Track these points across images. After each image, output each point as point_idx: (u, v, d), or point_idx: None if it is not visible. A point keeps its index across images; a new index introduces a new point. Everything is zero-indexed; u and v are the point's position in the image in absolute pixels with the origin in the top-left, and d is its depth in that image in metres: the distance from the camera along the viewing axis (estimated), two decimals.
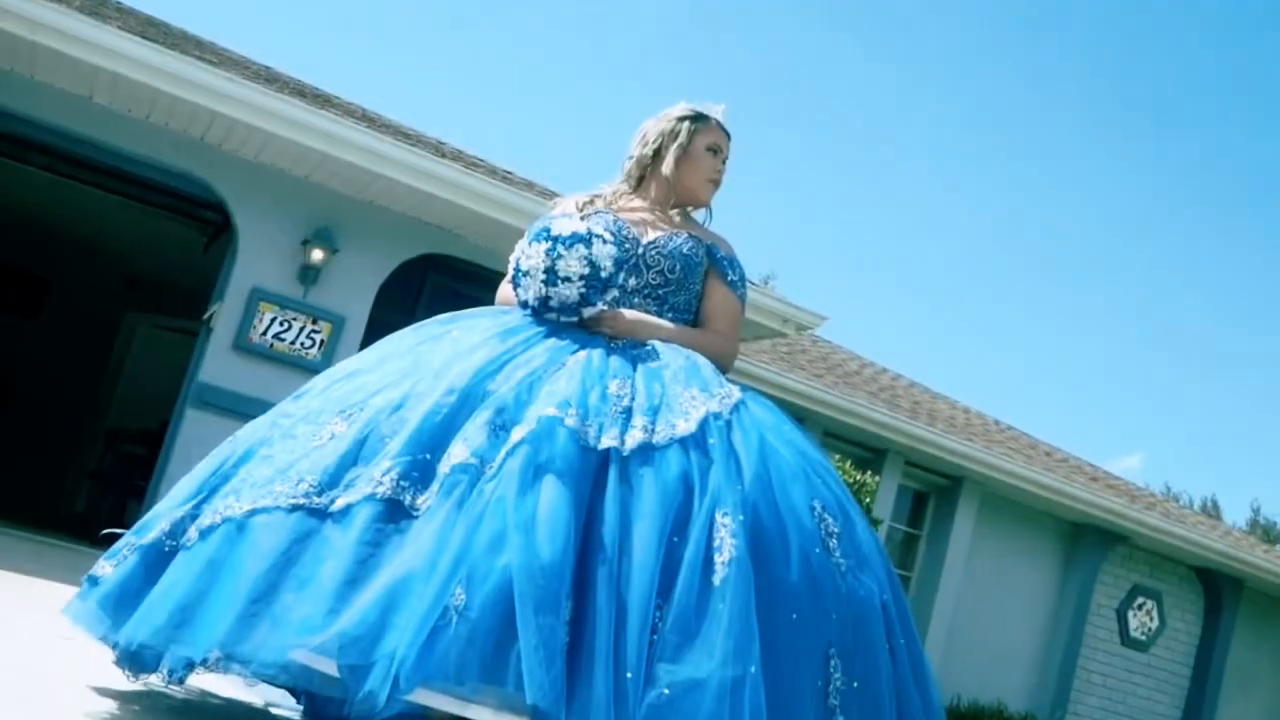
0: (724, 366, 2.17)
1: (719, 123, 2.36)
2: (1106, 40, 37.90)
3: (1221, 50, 37.03)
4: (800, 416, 7.94)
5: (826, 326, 7.50)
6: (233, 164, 6.23)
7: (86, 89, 5.82)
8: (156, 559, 1.85)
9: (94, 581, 1.92)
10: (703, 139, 2.32)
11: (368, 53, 38.10)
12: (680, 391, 1.92)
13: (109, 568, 1.91)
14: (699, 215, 2.41)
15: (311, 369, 6.09)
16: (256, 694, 2.20)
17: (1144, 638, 10.29)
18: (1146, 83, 38.64)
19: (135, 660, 1.84)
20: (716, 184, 2.35)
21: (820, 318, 7.19)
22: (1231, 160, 38.11)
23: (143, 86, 5.59)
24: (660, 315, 2.20)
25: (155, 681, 1.97)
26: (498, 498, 1.68)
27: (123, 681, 1.97)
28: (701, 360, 2.06)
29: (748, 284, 2.40)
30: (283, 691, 2.15)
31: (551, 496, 1.69)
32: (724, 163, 2.36)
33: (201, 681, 2.15)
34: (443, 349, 2.00)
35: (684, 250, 2.24)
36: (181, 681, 2.00)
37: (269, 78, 6.68)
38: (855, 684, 1.74)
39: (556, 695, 1.53)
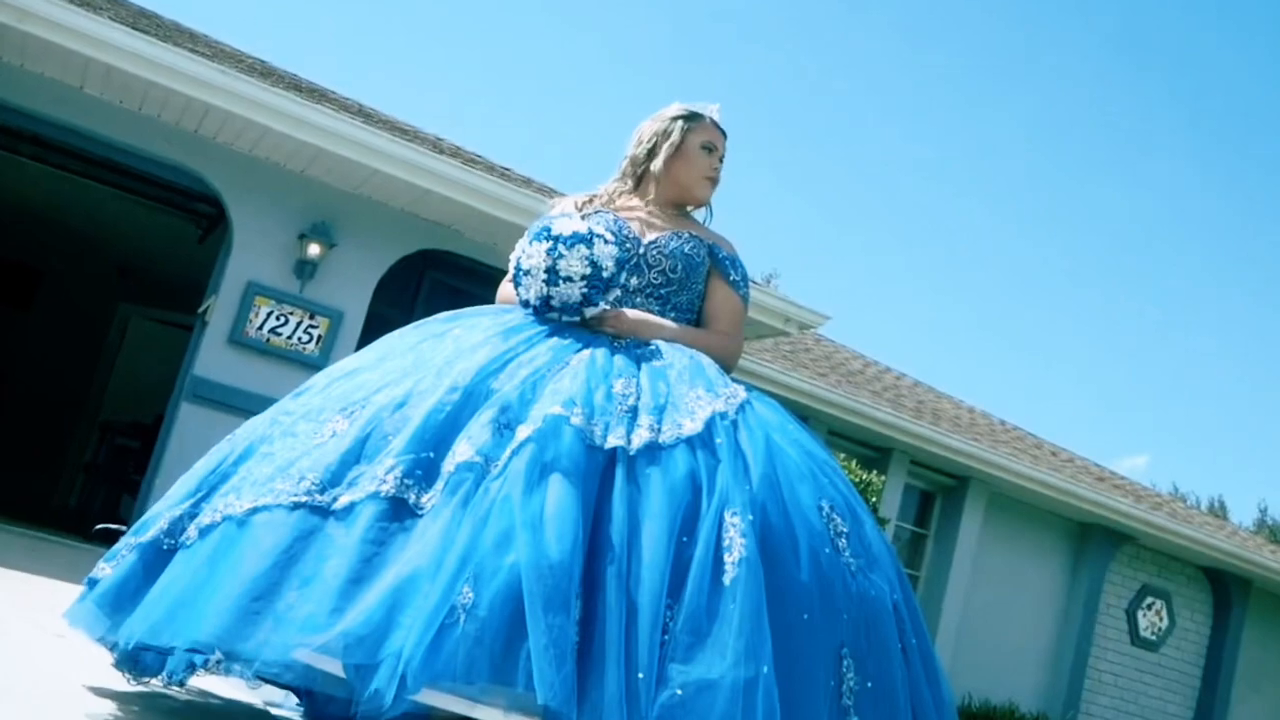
0: (728, 366, 2.16)
1: (713, 121, 2.35)
2: (1107, 36, 37.77)
3: (1222, 50, 36.90)
4: (804, 415, 7.88)
5: (828, 325, 7.47)
6: (227, 157, 6.15)
7: (78, 79, 5.75)
8: (155, 558, 1.84)
9: (93, 584, 1.90)
10: (696, 137, 2.31)
11: (368, 51, 38.00)
12: (686, 391, 1.91)
13: (108, 569, 1.89)
14: (700, 215, 2.40)
15: (309, 364, 6.02)
16: (256, 694, 2.18)
17: (1154, 637, 10.29)
18: (1148, 77, 38.54)
19: (135, 663, 1.82)
20: (713, 181, 2.34)
21: (822, 317, 7.20)
22: (1243, 157, 38.02)
23: (135, 78, 5.53)
24: (663, 315, 2.19)
25: (155, 683, 1.94)
26: (504, 496, 1.67)
27: (120, 681, 1.94)
28: (706, 360, 2.05)
29: (750, 284, 2.39)
30: (285, 692, 2.13)
31: (558, 495, 1.67)
32: (720, 160, 2.35)
33: (202, 683, 2.13)
34: (445, 347, 1.99)
35: (685, 250, 2.23)
36: (182, 684, 1.99)
37: (264, 71, 6.60)
38: (869, 684, 1.73)
39: (568, 695, 1.50)
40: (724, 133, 2.36)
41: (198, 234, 7.50)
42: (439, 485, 1.73)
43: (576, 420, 1.77)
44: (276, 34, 35.13)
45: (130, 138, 5.96)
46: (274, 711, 2.15)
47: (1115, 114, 38.97)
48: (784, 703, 1.59)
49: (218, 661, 1.63)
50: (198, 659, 1.71)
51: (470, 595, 1.56)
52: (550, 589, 1.56)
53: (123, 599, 1.81)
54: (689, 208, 2.36)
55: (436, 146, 6.64)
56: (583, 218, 2.11)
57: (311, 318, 6.20)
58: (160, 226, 7.78)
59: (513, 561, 1.58)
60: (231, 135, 5.98)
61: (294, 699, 2.16)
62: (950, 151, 39.46)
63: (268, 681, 1.96)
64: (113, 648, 1.84)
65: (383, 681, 1.52)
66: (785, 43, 38.27)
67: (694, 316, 2.25)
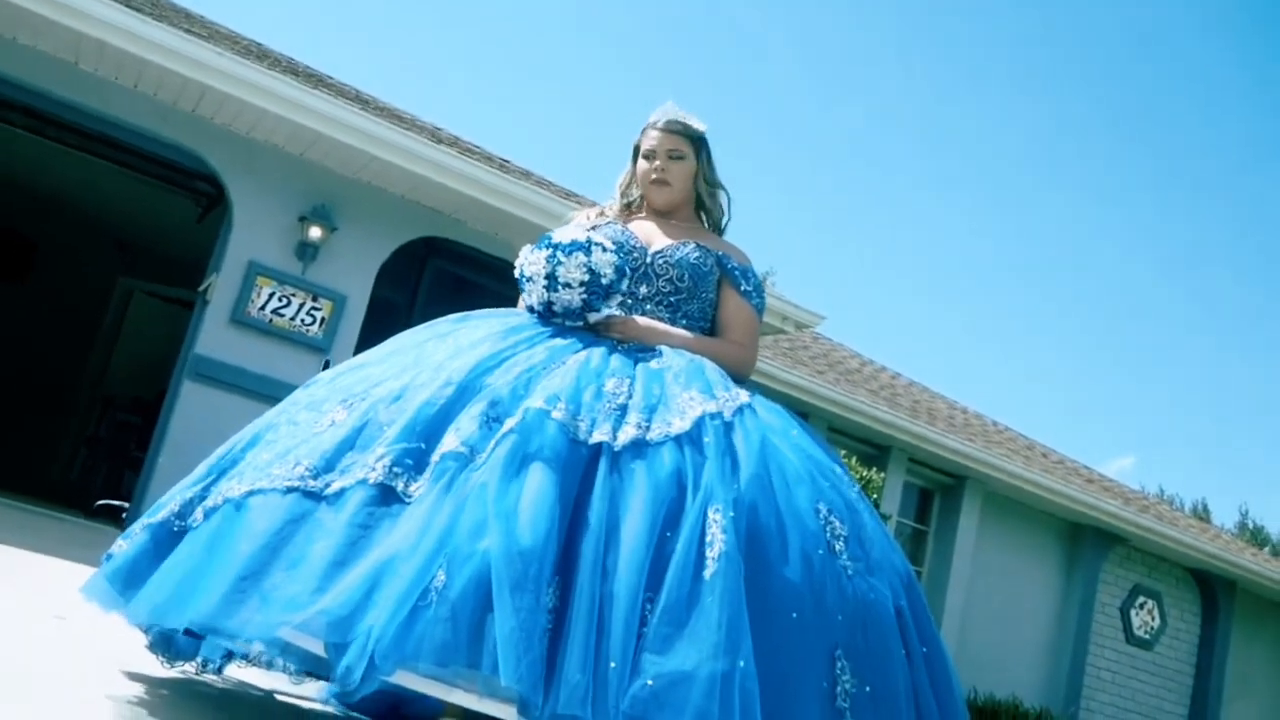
0: (742, 375, 2.17)
1: (656, 124, 2.36)
2: (1102, 45, 37.76)
3: (1213, 55, 36.93)
4: (804, 412, 7.93)
5: (823, 323, 7.48)
6: (226, 138, 6.14)
7: (72, 55, 5.72)
8: (165, 538, 1.90)
9: (110, 559, 1.97)
10: (641, 148, 2.37)
11: (369, 41, 37.80)
12: (679, 392, 1.94)
13: (124, 545, 1.95)
14: (726, 214, 2.43)
15: (313, 346, 6.02)
16: (298, 688, 2.19)
17: (1147, 636, 10.44)
18: (1138, 90, 38.55)
19: (169, 646, 1.90)
20: (661, 183, 2.34)
21: (819, 317, 7.25)
22: (1224, 167, 38.11)
23: (129, 56, 5.50)
24: (673, 323, 2.22)
25: (190, 669, 2.01)
26: (481, 484, 1.70)
27: (109, 662, 1.97)
28: (708, 364, 2.06)
29: (764, 294, 2.38)
30: (318, 684, 2.17)
31: (536, 484, 1.69)
32: (671, 156, 2.33)
33: (243, 674, 2.17)
34: (446, 345, 2.05)
35: (691, 259, 2.26)
36: (219, 672, 2.08)
37: (260, 54, 6.56)
38: (867, 688, 1.70)
39: (535, 679, 1.51)
40: (672, 128, 2.33)
41: (197, 212, 7.45)
42: (427, 474, 1.76)
43: (558, 415, 1.80)
44: (273, 18, 34.94)
45: (127, 114, 5.93)
46: (307, 705, 2.17)
47: (1105, 123, 39.01)
48: (769, 701, 1.58)
49: (259, 653, 1.67)
50: (236, 648, 1.73)
51: (443, 578, 1.58)
52: (519, 574, 1.57)
53: (134, 577, 1.86)
54: (680, 215, 2.39)
55: (435, 136, 6.63)
56: (591, 228, 2.16)
57: (315, 300, 6.19)
58: (159, 203, 7.74)
59: (486, 547, 1.60)
60: (229, 116, 5.96)
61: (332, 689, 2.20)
62: (944, 154, 39.47)
63: (309, 675, 2.03)
64: (147, 630, 1.91)
65: (353, 658, 1.54)
66: (784, 43, 38.20)
67: (706, 325, 2.27)
